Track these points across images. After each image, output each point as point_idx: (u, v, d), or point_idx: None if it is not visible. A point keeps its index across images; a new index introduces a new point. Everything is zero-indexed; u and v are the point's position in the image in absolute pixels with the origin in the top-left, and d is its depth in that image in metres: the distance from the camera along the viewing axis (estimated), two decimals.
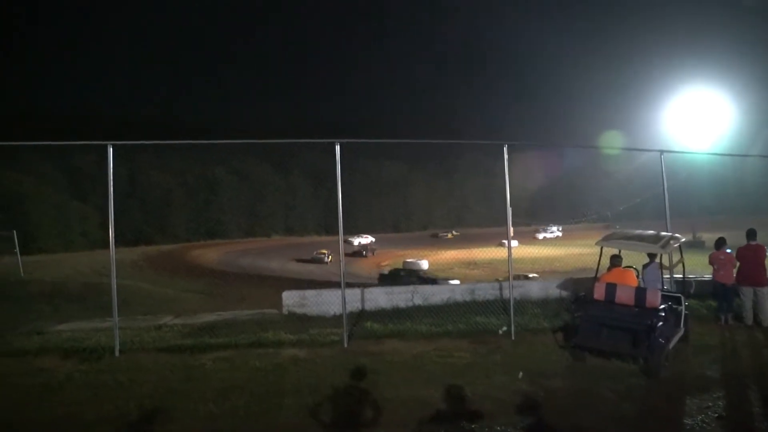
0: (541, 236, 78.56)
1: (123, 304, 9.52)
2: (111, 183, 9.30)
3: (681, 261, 9.89)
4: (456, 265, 52.08)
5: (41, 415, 6.60)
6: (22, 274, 23.76)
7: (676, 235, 9.47)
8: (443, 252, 58.66)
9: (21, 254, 26.13)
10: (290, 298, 12.39)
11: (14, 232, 26.09)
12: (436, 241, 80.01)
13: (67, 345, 9.47)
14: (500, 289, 12.76)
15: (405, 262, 55.15)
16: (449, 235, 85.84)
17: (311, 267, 55.09)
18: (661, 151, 11.74)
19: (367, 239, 76.29)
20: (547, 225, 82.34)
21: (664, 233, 9.49)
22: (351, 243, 70.09)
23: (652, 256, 9.62)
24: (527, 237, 69.94)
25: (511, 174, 10.46)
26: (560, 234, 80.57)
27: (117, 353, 9.04)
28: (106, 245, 9.67)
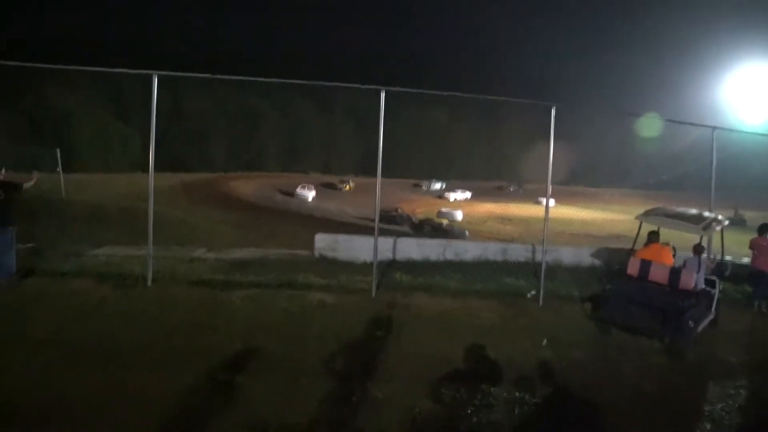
0: (452, 197, 76.37)
1: (157, 231, 9.64)
2: (154, 112, 9.35)
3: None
4: (490, 219, 51.80)
5: (73, 338, 6.80)
6: (63, 194, 24.19)
7: (720, 217, 9.23)
8: (479, 204, 58.48)
9: (64, 172, 26.54)
10: (322, 241, 12.44)
11: (58, 150, 26.49)
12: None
13: (103, 270, 9.71)
14: (533, 251, 12.64)
15: (440, 212, 55.25)
16: (346, 187, 73.02)
17: (327, 191, 59.26)
18: (714, 128, 11.37)
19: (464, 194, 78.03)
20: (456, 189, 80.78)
21: (707, 213, 9.25)
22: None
23: (696, 250, 9.32)
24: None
25: (555, 134, 10.26)
26: (468, 196, 78.53)
27: (149, 282, 9.23)
28: (146, 168, 9.77)
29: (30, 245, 10.77)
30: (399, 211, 50.72)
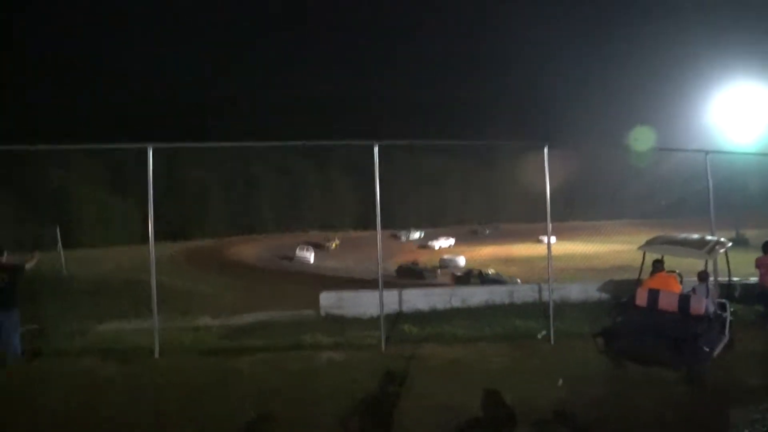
0: (437, 246, 74.24)
1: (161, 302, 9.61)
2: (150, 183, 9.43)
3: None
4: (493, 262, 51.71)
5: (83, 417, 6.71)
6: (64, 271, 24.17)
7: (722, 239, 9.23)
8: (480, 248, 58.46)
9: (64, 249, 26.58)
10: (327, 299, 12.41)
11: (57, 227, 26.58)
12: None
13: (109, 345, 9.65)
14: (539, 291, 12.61)
15: (442, 259, 55.06)
16: (333, 245, 69.99)
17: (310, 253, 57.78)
18: (707, 152, 11.47)
19: (447, 241, 76.37)
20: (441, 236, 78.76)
21: (709, 237, 9.26)
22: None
23: (702, 278, 9.31)
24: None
25: (550, 170, 10.35)
26: (452, 243, 76.76)
27: (156, 355, 9.16)
28: (146, 240, 9.80)
29: (34, 327, 10.71)
30: (420, 264, 48.81)
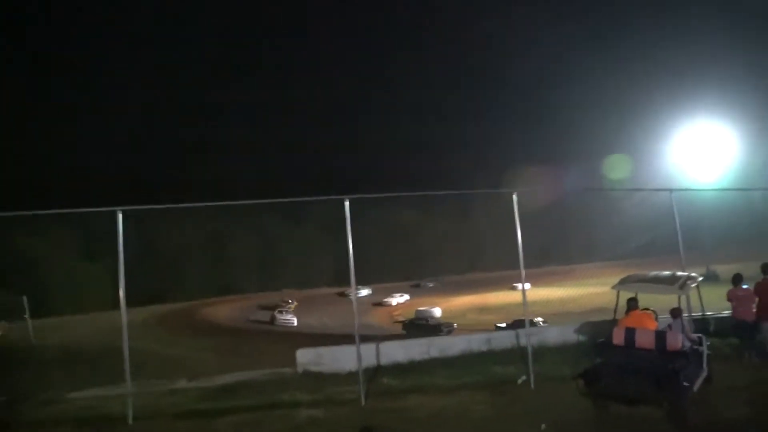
0: (394, 302, 72.06)
1: (135, 367, 9.40)
2: (121, 248, 9.33)
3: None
4: (469, 310, 51.70)
5: None
6: (33, 340, 23.67)
7: (693, 274, 9.35)
8: (455, 298, 58.40)
9: (32, 317, 26.10)
10: (304, 356, 12.23)
11: (24, 297, 26.12)
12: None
13: (80, 414, 9.39)
14: (517, 336, 12.58)
15: (417, 311, 54.82)
16: (291, 307, 65.26)
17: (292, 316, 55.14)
18: (671, 190, 11.71)
19: (402, 297, 74.49)
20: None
21: (680, 273, 9.38)
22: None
23: (675, 314, 9.43)
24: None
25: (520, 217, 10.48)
26: (408, 298, 75.21)
27: (130, 421, 8.91)
28: (117, 306, 9.64)
29: (2, 398, 10.39)
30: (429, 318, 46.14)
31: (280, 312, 57.17)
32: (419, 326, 40.65)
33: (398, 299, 73.19)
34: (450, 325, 42.83)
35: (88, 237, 62.06)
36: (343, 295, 76.02)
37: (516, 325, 35.82)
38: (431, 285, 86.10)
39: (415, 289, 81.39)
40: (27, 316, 25.32)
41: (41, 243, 57.99)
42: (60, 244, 61.34)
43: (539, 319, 35.36)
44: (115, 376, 10.58)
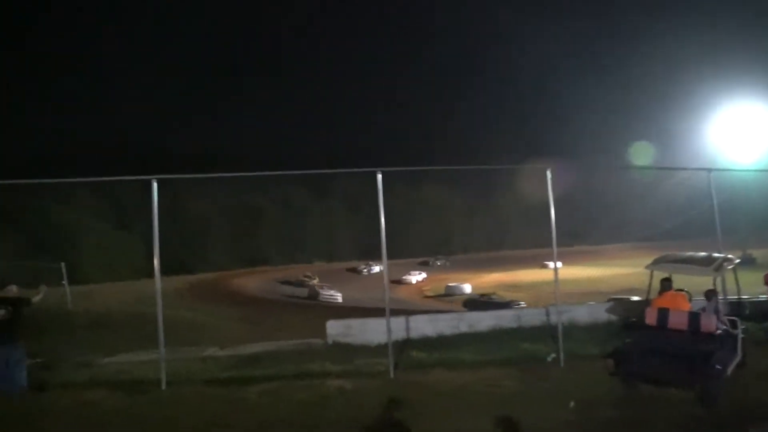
0: (413, 279, 69.89)
1: (167, 334, 9.54)
2: (156, 217, 9.42)
3: None
4: (499, 287, 51.53)
5: None
6: (70, 306, 24.17)
7: (729, 256, 9.18)
8: (486, 275, 58.26)
9: (68, 285, 26.59)
10: (334, 328, 12.34)
11: (62, 264, 26.61)
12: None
13: (115, 378, 9.61)
14: (547, 314, 12.51)
15: (447, 286, 54.84)
16: (315, 281, 62.22)
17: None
18: (710, 170, 11.45)
19: (421, 275, 72.27)
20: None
21: (716, 254, 9.20)
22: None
23: (709, 296, 9.26)
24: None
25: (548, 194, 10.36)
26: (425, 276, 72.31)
27: (163, 386, 9.06)
28: (150, 274, 9.80)
29: (38, 360, 10.65)
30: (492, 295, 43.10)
31: (321, 287, 55.36)
32: (484, 303, 37.41)
33: (416, 277, 71.17)
34: (517, 302, 38.23)
35: (122, 206, 63.19)
36: (353, 270, 75.94)
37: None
38: (439, 263, 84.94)
39: (424, 267, 79.22)
40: (65, 282, 25.81)
41: (76, 212, 59.18)
42: (95, 214, 62.51)
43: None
44: (148, 342, 10.78)
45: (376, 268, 72.47)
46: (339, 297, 51.57)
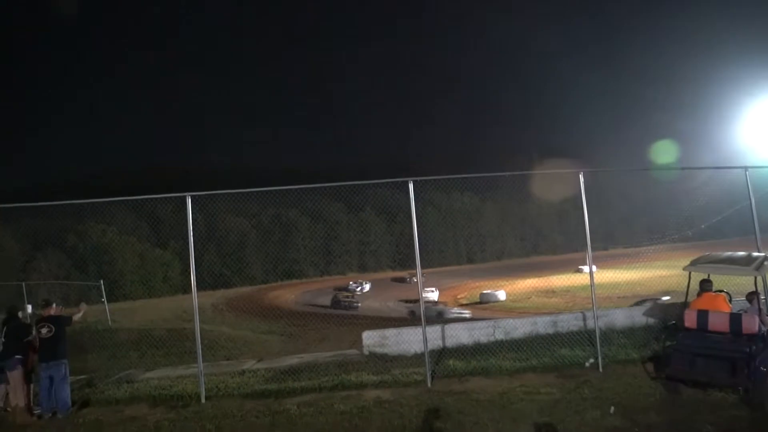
0: (431, 297, 58.14)
1: (206, 348, 9.71)
2: (191, 232, 9.58)
3: None
4: (534, 293, 51.08)
5: None
6: (110, 323, 24.62)
7: None
8: (520, 281, 57.75)
9: (107, 302, 27.11)
10: (370, 338, 12.36)
11: (101, 282, 27.15)
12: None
13: (156, 393, 9.74)
14: (584, 319, 12.40)
15: (482, 294, 54.53)
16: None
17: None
18: (746, 168, 11.26)
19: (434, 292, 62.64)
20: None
21: (756, 254, 9.05)
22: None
23: (750, 297, 9.11)
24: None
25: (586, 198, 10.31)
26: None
27: (203, 400, 9.20)
28: (187, 290, 9.98)
29: (82, 377, 10.87)
30: None
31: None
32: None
33: (432, 294, 60.18)
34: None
35: (159, 224, 64.09)
36: (400, 280, 72.48)
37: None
38: (415, 280, 77.34)
39: (401, 284, 71.40)
40: (104, 299, 26.32)
41: (114, 231, 60.29)
42: (131, 232, 63.52)
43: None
44: (187, 357, 10.94)
45: (367, 286, 68.32)
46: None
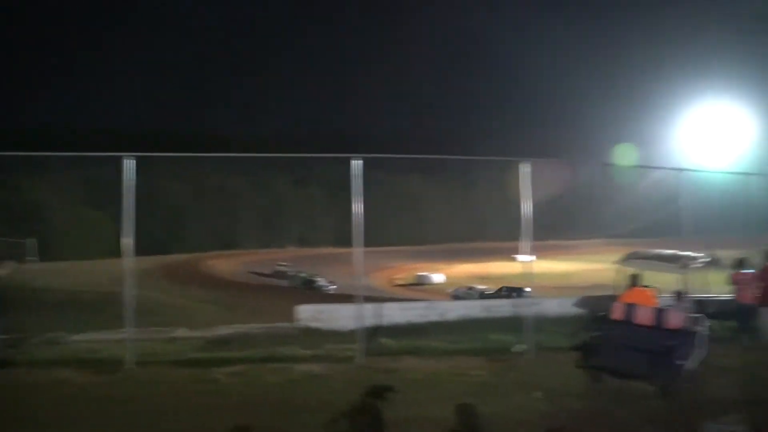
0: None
1: (137, 314, 9.50)
2: (126, 195, 9.35)
3: None
4: (469, 279, 51.74)
5: (53, 428, 6.57)
6: (37, 282, 23.89)
7: (697, 254, 9.32)
8: (456, 265, 58.42)
9: (38, 261, 26.33)
10: (305, 312, 12.35)
11: (35, 240, 26.30)
12: None
13: (82, 356, 9.53)
14: (516, 306, 12.63)
15: (418, 276, 54.74)
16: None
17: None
18: (680, 170, 11.62)
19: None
20: None
21: (684, 253, 9.35)
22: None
23: (677, 293, 9.44)
24: None
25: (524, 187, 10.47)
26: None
27: (131, 365, 9.02)
28: (121, 253, 9.72)
29: (5, 336, 10.52)
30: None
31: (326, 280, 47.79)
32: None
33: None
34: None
35: (97, 184, 62.23)
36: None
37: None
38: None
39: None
40: (35, 258, 25.50)
41: (47, 187, 58.29)
42: (66, 190, 61.56)
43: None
44: (117, 321, 10.70)
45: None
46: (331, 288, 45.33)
